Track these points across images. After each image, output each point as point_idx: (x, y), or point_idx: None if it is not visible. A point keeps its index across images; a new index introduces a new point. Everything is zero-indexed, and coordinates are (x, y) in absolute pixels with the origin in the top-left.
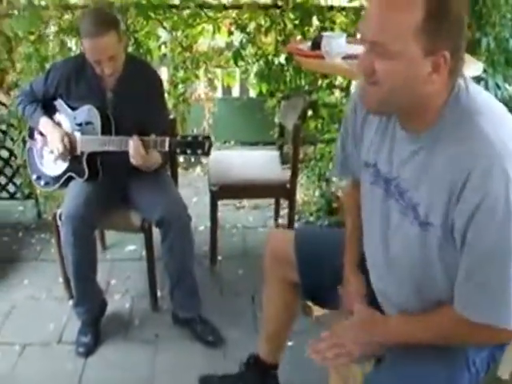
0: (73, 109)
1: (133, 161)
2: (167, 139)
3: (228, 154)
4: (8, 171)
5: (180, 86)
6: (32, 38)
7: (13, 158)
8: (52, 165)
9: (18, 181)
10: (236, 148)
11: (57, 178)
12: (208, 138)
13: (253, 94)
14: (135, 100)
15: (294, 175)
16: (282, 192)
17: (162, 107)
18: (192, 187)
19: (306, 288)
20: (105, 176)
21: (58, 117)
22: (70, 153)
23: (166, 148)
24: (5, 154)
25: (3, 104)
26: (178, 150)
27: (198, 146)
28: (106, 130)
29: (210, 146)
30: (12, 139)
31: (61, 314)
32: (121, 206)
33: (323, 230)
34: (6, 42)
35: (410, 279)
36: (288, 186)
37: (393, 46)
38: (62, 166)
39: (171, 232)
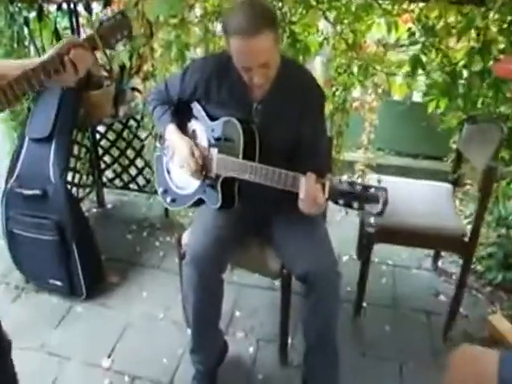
0: (211, 118)
1: (303, 207)
2: (327, 183)
3: (389, 181)
4: (139, 163)
5: (339, 91)
6: (174, 22)
7: (145, 150)
8: (180, 181)
9: (148, 174)
10: (392, 157)
11: (185, 198)
12: (384, 190)
13: (417, 97)
14: (289, 116)
15: (477, 229)
16: (456, 246)
17: (321, 127)
18: None
19: None
20: (243, 206)
21: (193, 124)
22: (203, 171)
23: (325, 194)
24: (137, 145)
25: (139, 91)
26: (341, 202)
27: (369, 201)
28: (248, 151)
29: (386, 203)
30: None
31: (176, 346)
32: (257, 244)
33: None
34: (146, 26)
35: None
36: (466, 239)
37: None
38: (191, 185)
39: (316, 291)
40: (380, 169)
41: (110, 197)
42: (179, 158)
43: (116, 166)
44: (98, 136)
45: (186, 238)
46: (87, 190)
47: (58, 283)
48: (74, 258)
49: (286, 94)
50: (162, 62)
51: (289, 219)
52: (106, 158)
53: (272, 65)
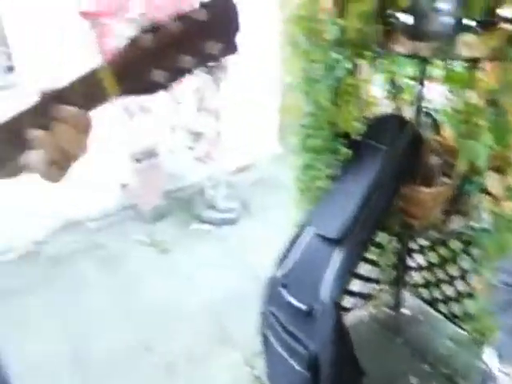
0: None
1: None
2: None
3: None
4: (461, 285)
5: None
6: None
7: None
8: None
9: (469, 303)
10: None
11: None
12: None
13: None
14: None
15: None
16: None
17: None
18: None
19: None
20: None
21: None
22: None
23: None
24: (466, 262)
25: (488, 193)
26: None
27: None
28: None
29: None
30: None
31: None
32: None
33: None
34: None
35: None
36: None
37: None
38: None
39: None
40: None
41: (412, 301)
42: None
43: (427, 271)
44: None
45: None
46: (380, 285)
47: None
48: None
49: None
50: None
51: None
52: (416, 256)
53: None
